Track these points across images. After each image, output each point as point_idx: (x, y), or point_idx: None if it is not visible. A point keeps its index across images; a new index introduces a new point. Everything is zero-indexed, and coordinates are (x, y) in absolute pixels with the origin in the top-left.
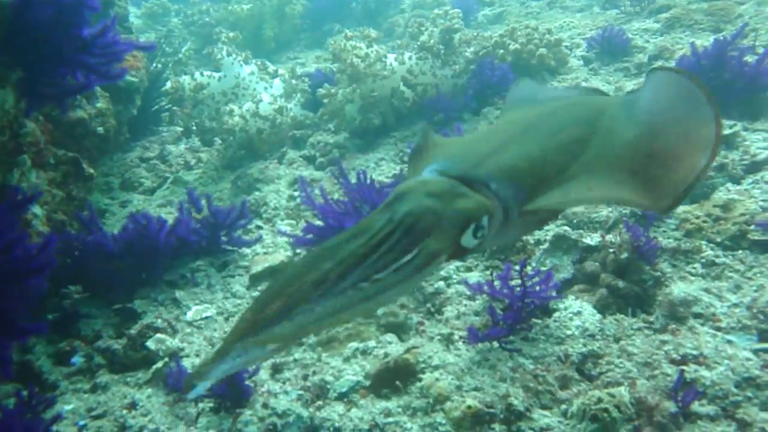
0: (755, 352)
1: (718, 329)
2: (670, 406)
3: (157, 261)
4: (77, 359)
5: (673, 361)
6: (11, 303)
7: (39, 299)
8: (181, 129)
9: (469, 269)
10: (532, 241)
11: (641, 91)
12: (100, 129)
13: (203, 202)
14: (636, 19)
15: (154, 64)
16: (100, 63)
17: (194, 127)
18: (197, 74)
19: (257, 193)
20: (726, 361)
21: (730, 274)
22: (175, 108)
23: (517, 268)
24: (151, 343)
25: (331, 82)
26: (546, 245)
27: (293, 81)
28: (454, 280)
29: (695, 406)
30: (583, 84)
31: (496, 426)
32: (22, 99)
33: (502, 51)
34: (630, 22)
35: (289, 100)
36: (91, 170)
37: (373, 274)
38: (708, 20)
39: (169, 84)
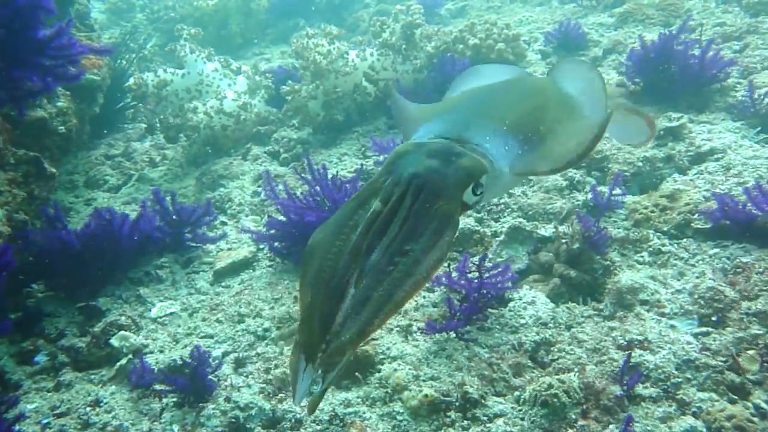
0: (695, 335)
1: (663, 315)
2: (616, 389)
3: (120, 256)
4: (40, 358)
5: (619, 347)
6: None
7: (4, 290)
8: (145, 126)
9: None
10: (489, 234)
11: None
12: (62, 128)
13: (168, 199)
14: (592, 13)
15: (119, 61)
16: (56, 65)
17: (158, 124)
18: (160, 71)
19: (222, 189)
20: (668, 346)
21: (675, 261)
22: (139, 105)
23: (476, 260)
24: (115, 341)
25: (294, 78)
26: (502, 237)
27: (257, 77)
28: None
29: (639, 389)
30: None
31: (452, 414)
32: None
33: (461, 46)
34: (586, 17)
35: (253, 96)
36: (53, 169)
37: (404, 246)
38: (659, 15)
39: (132, 80)
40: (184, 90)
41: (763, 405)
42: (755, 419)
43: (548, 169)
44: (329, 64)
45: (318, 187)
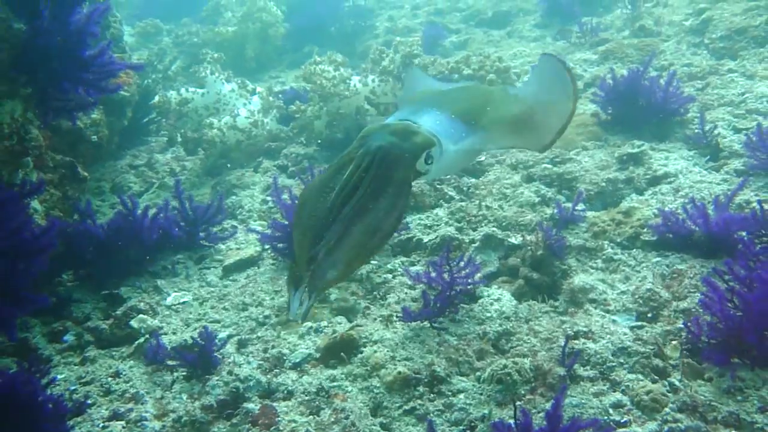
0: (631, 328)
1: (607, 311)
2: (561, 370)
3: (141, 249)
4: (68, 337)
5: (568, 337)
6: (19, 278)
7: (39, 279)
8: (167, 139)
9: (413, 264)
10: (467, 240)
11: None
12: (94, 137)
13: (185, 194)
14: (579, 50)
15: (146, 81)
16: (98, 79)
17: (179, 138)
18: (183, 90)
19: (234, 197)
20: (608, 336)
21: (624, 268)
22: (162, 120)
23: (453, 262)
24: (134, 323)
25: (303, 99)
26: (477, 243)
27: (270, 98)
28: (399, 273)
29: (580, 371)
30: None
31: (421, 388)
32: (29, 110)
33: (457, 75)
34: (573, 53)
35: (266, 115)
36: (85, 173)
37: (368, 204)
38: (637, 54)
39: (157, 98)
40: (203, 107)
41: (676, 383)
42: (669, 394)
43: (484, 147)
44: (333, 88)
45: None
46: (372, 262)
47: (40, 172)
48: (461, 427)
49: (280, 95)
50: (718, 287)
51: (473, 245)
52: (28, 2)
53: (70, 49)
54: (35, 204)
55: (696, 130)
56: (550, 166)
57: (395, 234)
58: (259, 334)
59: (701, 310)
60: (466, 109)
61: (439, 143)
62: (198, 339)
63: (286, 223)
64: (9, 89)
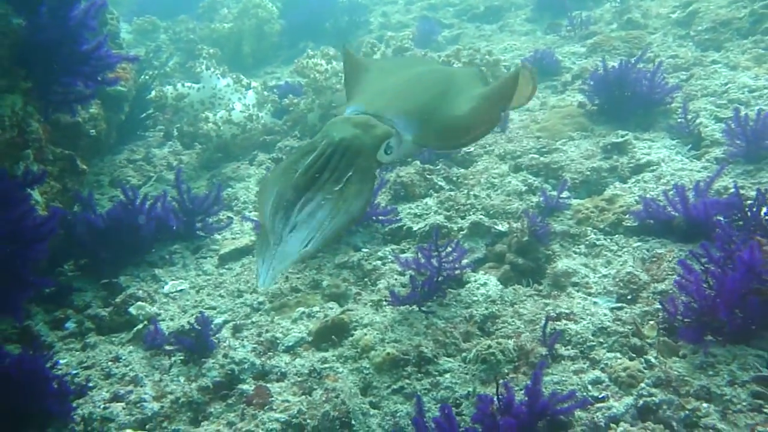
0: (611, 309)
1: (589, 294)
2: (543, 350)
3: (138, 239)
4: (70, 324)
5: (550, 319)
6: (23, 263)
7: (41, 268)
8: (163, 132)
9: (403, 251)
10: (456, 228)
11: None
12: (93, 131)
13: (184, 187)
14: (568, 43)
15: (143, 76)
16: (95, 71)
17: (175, 132)
18: (179, 85)
19: (229, 189)
20: (589, 317)
21: (606, 253)
22: (158, 114)
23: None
24: (132, 309)
25: (297, 93)
26: (465, 231)
27: (265, 92)
28: (389, 260)
29: (562, 350)
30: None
31: (409, 368)
32: (29, 103)
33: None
34: (563, 46)
35: (261, 109)
36: (84, 166)
37: (333, 188)
38: (624, 46)
39: (153, 93)
40: (199, 102)
41: (652, 360)
42: (645, 370)
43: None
44: (325, 81)
45: None
46: (363, 250)
47: (41, 164)
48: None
49: (274, 89)
50: (693, 269)
51: (461, 233)
52: None
53: (68, 43)
54: (36, 195)
55: (679, 120)
56: (537, 156)
57: (387, 224)
58: (253, 319)
59: (678, 291)
60: (423, 103)
61: (398, 134)
62: (195, 324)
63: None
64: (9, 83)
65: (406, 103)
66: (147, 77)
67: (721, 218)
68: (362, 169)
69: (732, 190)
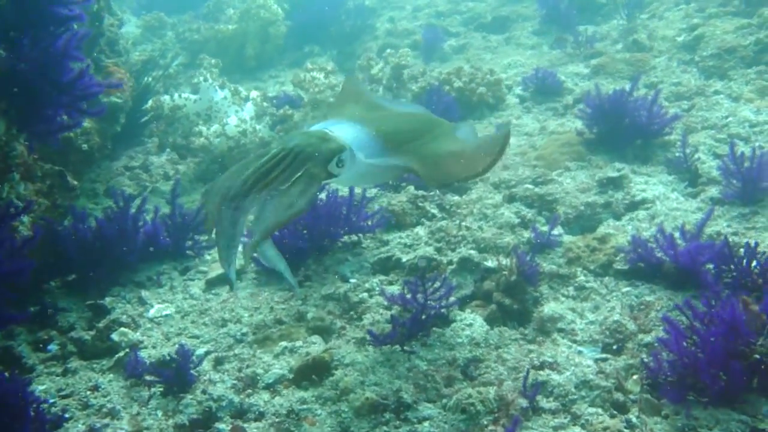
0: (596, 360)
1: (574, 341)
2: (523, 402)
3: (127, 249)
4: (53, 347)
5: (534, 367)
6: None
7: (22, 293)
8: (157, 143)
9: (391, 283)
10: (445, 261)
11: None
12: (85, 146)
13: (178, 202)
14: (573, 62)
15: (146, 78)
16: (78, 100)
17: (168, 143)
18: (176, 96)
19: None
20: (572, 368)
21: (594, 296)
22: (153, 123)
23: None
24: (115, 336)
25: (295, 104)
26: (454, 266)
27: (264, 103)
28: (376, 292)
29: (543, 402)
30: (513, 120)
31: (387, 414)
32: (12, 127)
33: (447, 87)
34: (566, 65)
35: (259, 121)
36: (75, 182)
37: (279, 186)
38: (628, 69)
39: (150, 102)
40: (195, 114)
41: (634, 419)
42: (626, 430)
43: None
44: (319, 95)
45: None
46: (351, 280)
47: (28, 182)
48: None
49: (274, 100)
50: (677, 325)
51: (450, 267)
52: (8, 28)
53: (50, 73)
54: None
55: (677, 154)
56: (531, 186)
57: (376, 254)
58: (235, 351)
59: (662, 347)
60: (395, 131)
61: (351, 152)
62: (175, 356)
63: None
64: None
65: (374, 125)
66: (150, 80)
67: (712, 267)
68: (310, 174)
69: (723, 235)
